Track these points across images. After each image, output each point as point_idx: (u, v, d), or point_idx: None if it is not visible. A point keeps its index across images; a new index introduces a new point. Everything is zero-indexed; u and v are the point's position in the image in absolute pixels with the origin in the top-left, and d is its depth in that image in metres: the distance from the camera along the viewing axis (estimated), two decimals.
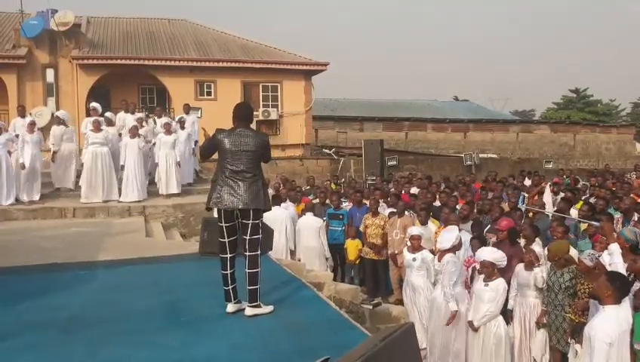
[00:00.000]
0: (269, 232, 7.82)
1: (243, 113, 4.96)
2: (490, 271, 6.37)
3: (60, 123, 12.25)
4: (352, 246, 10.06)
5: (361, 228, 9.89)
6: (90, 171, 11.66)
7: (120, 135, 12.84)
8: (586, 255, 5.85)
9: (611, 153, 27.37)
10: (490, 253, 6.50)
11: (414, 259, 7.59)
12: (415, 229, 7.95)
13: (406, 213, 9.66)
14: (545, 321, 6.30)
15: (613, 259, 5.06)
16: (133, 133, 12.11)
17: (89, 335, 4.41)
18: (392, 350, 2.93)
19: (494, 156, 23.96)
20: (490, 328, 6.30)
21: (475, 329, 6.41)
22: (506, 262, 6.54)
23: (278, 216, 9.30)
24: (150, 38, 20.90)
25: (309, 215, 10.06)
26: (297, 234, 9.84)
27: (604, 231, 5.77)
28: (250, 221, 4.73)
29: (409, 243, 7.90)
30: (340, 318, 4.84)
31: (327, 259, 9.90)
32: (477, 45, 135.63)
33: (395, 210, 9.94)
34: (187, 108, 14.30)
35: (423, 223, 9.03)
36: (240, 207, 4.68)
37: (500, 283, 6.34)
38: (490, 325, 6.31)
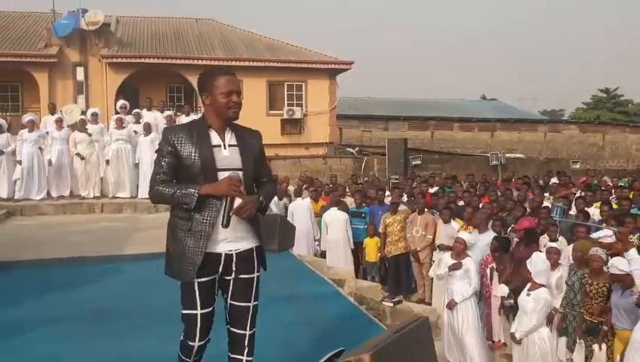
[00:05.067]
0: (289, 229, 7.89)
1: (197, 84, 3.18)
2: (461, 247, 6.78)
3: (83, 130, 12.11)
4: (372, 245, 10.11)
5: (381, 230, 9.91)
6: (116, 168, 11.94)
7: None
8: (593, 251, 5.82)
9: None
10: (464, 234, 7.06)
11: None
12: (464, 234, 7.28)
13: (426, 210, 9.66)
14: (564, 325, 6.25)
15: (634, 265, 4.90)
16: (148, 130, 12.31)
17: (114, 327, 4.54)
18: (405, 342, 2.98)
19: (521, 156, 23.69)
20: (534, 340, 6.00)
21: (518, 342, 6.12)
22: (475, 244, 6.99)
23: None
24: (178, 38, 21.17)
25: (333, 209, 10.20)
26: (323, 228, 10.17)
27: (620, 236, 5.70)
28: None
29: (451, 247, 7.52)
30: (360, 314, 4.90)
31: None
32: (505, 44, 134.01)
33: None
34: None
35: (446, 222, 9.04)
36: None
37: (542, 292, 6.03)
38: (534, 337, 6.01)
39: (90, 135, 11.93)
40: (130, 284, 6.00)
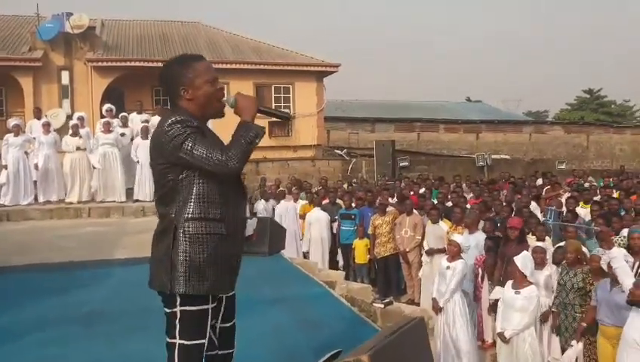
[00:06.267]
0: (280, 231, 7.91)
1: (161, 79, 2.67)
2: (455, 250, 6.86)
3: (75, 133, 11.96)
4: (361, 246, 10.18)
5: (370, 231, 9.97)
6: (103, 172, 11.87)
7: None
8: (595, 251, 5.91)
9: (626, 154, 27.19)
10: (458, 237, 7.12)
11: (448, 268, 6.98)
12: (458, 237, 7.26)
13: (415, 211, 9.73)
14: (557, 324, 6.31)
15: (616, 263, 4.96)
16: (145, 133, 12.28)
17: (110, 330, 4.53)
18: (401, 343, 3.01)
19: (507, 157, 23.89)
20: (525, 338, 5.98)
21: (506, 341, 6.10)
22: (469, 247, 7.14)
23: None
24: (163, 40, 21.09)
25: (316, 209, 10.33)
26: (306, 228, 10.48)
27: (602, 236, 5.79)
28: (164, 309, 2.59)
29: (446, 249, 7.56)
30: (352, 315, 4.92)
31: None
32: (489, 45, 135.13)
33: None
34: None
35: (434, 222, 9.10)
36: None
37: (532, 290, 6.02)
38: (524, 335, 5.99)
39: (81, 137, 11.87)
40: (122, 288, 5.97)
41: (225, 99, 2.63)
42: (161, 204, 2.58)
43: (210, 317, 2.53)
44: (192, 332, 2.49)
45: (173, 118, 2.44)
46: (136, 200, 11.94)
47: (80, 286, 5.94)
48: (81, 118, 12.61)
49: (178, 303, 2.47)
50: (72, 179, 11.74)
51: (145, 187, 11.98)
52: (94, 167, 11.92)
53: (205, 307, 2.50)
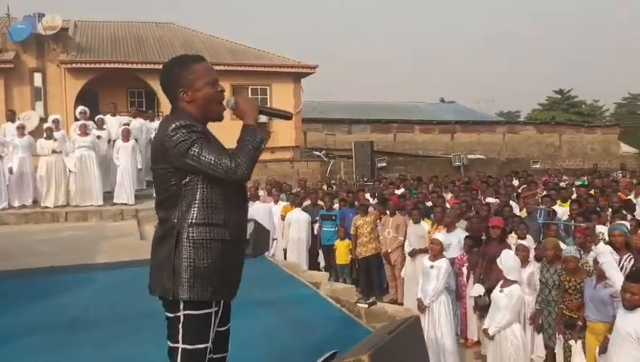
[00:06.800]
0: (264, 233, 7.89)
1: (161, 81, 2.62)
2: (438, 248, 6.95)
3: (49, 136, 11.74)
4: (342, 247, 10.19)
5: (352, 231, 9.99)
6: (80, 176, 11.67)
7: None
8: (566, 252, 6.00)
9: (597, 153, 27.70)
10: (439, 235, 7.25)
11: (432, 267, 6.99)
12: (439, 236, 7.35)
13: (397, 212, 9.78)
14: (540, 322, 6.39)
15: (603, 258, 5.05)
16: (126, 136, 12.16)
17: (95, 335, 4.47)
18: (399, 342, 3.03)
19: (482, 157, 24.18)
20: (507, 336, 6.05)
21: (491, 338, 6.19)
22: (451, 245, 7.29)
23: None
24: (138, 42, 20.85)
25: (297, 210, 10.58)
26: (286, 228, 10.51)
27: (588, 232, 5.87)
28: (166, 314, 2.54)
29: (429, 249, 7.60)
30: (341, 315, 4.93)
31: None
32: (461, 46, 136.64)
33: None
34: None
35: (416, 222, 9.15)
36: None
37: (514, 288, 6.09)
38: (506, 333, 6.06)
39: (56, 140, 11.65)
40: (104, 293, 5.90)
41: (225, 101, 2.59)
42: (162, 209, 2.52)
43: (213, 320, 2.49)
44: (196, 336, 2.44)
45: (178, 123, 2.39)
46: (115, 204, 11.80)
47: (62, 291, 5.84)
48: (56, 121, 12.38)
49: (182, 307, 2.43)
50: (48, 183, 11.51)
51: (126, 190, 11.87)
52: (70, 171, 11.73)
53: (209, 311, 2.46)
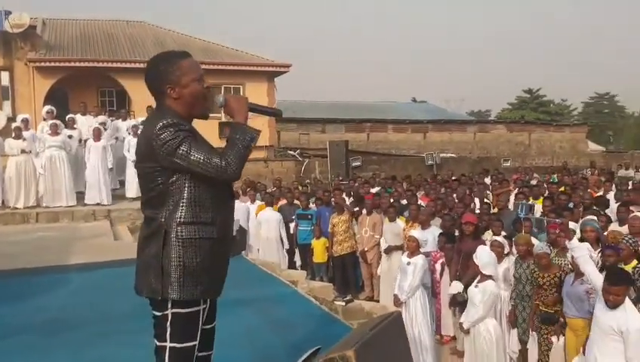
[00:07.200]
0: (241, 233, 7.89)
1: (147, 77, 2.57)
2: (414, 245, 7.01)
3: (17, 136, 11.49)
4: (319, 246, 10.21)
5: (330, 229, 10.02)
6: (50, 176, 11.46)
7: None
8: (538, 248, 6.12)
9: (565, 151, 28.24)
10: (415, 232, 7.28)
11: (409, 264, 7.06)
12: (416, 233, 7.42)
13: (374, 211, 9.83)
14: (515, 316, 6.49)
15: (578, 252, 5.15)
16: (97, 135, 12.00)
17: (71, 337, 4.40)
18: (383, 337, 3.06)
19: (454, 155, 24.47)
20: (481, 331, 6.14)
21: (466, 332, 6.28)
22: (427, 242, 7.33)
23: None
24: (109, 40, 20.55)
25: (268, 209, 10.66)
26: (257, 228, 10.52)
27: (562, 227, 6.00)
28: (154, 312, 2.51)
29: (405, 246, 7.69)
30: (321, 313, 4.94)
31: (285, 249, 10.59)
32: (432, 47, 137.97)
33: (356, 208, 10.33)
34: (151, 111, 14.11)
35: (392, 220, 9.22)
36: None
37: (488, 284, 6.17)
38: (480, 328, 6.14)
39: (25, 140, 11.40)
40: (79, 294, 5.81)
41: (215, 98, 2.57)
42: (148, 207, 2.50)
43: (201, 318, 2.47)
44: (184, 334, 2.42)
45: (165, 122, 2.35)
46: (86, 205, 11.61)
47: (36, 293, 5.73)
48: (25, 120, 12.13)
49: (169, 306, 2.40)
50: (18, 184, 11.28)
51: (101, 190, 11.72)
52: (41, 171, 11.51)
53: (197, 309, 2.44)
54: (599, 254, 5.78)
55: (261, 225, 10.51)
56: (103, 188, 11.81)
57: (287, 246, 10.58)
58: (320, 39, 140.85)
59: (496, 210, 9.50)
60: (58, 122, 12.12)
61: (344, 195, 11.73)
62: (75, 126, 12.80)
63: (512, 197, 10.54)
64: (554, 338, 5.78)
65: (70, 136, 12.17)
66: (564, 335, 5.70)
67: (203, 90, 2.52)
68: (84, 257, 7.47)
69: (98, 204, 11.72)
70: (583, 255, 4.93)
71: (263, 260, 8.47)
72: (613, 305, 4.33)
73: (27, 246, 8.32)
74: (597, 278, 4.66)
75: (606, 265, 5.26)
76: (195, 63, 2.53)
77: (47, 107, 13.04)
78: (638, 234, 6.29)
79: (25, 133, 11.69)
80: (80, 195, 11.95)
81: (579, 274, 5.28)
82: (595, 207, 8.16)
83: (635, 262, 5.49)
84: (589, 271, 4.79)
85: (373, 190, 12.95)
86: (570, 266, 5.77)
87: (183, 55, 2.53)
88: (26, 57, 17.66)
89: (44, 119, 12.68)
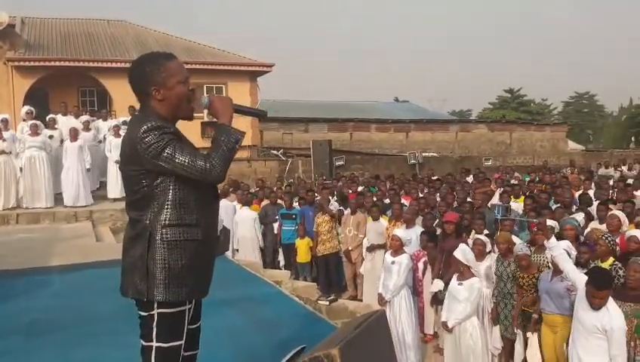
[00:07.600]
0: (225, 233, 7.88)
1: (131, 78, 2.54)
2: (398, 244, 7.01)
3: None
4: (303, 246, 10.22)
5: (315, 228, 10.04)
6: (29, 176, 11.34)
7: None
8: (518, 249, 6.20)
9: (546, 150, 28.57)
10: (399, 231, 7.30)
11: (393, 263, 7.06)
12: (399, 232, 7.44)
13: (358, 211, 9.87)
14: (497, 313, 6.56)
15: (556, 251, 5.23)
16: (74, 136, 11.88)
17: (56, 338, 4.38)
18: (367, 335, 3.09)
19: (436, 155, 24.62)
20: (466, 328, 6.16)
21: (450, 330, 6.27)
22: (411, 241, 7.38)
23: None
24: (89, 39, 20.37)
25: (244, 208, 10.75)
26: (234, 227, 10.54)
27: (540, 226, 6.08)
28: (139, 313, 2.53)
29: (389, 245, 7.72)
30: (305, 312, 4.97)
31: (261, 249, 10.67)
32: (414, 46, 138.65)
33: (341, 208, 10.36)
34: (133, 111, 14.06)
35: (375, 219, 9.26)
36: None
37: (474, 281, 6.20)
38: (465, 325, 6.17)
39: (5, 140, 11.26)
40: (62, 296, 5.78)
41: (200, 100, 2.58)
42: (132, 209, 2.50)
43: (187, 317, 2.48)
44: (170, 334, 2.43)
45: (150, 125, 2.35)
46: (67, 206, 11.50)
47: (18, 295, 5.69)
48: (4, 120, 11.99)
49: (155, 306, 2.41)
50: None
51: (80, 191, 11.61)
52: (21, 171, 11.38)
53: (182, 308, 2.45)
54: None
55: (238, 224, 10.56)
56: (81, 189, 11.69)
57: (262, 244, 10.64)
58: (305, 38, 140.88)
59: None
60: (38, 122, 12.01)
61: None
62: (55, 126, 12.67)
63: (496, 197, 10.65)
64: (528, 334, 5.85)
65: (51, 137, 12.06)
66: (537, 331, 5.77)
67: (188, 92, 2.52)
68: (67, 258, 7.43)
69: (76, 206, 11.60)
70: (561, 253, 5.01)
71: (246, 260, 8.47)
72: (598, 307, 4.43)
73: (8, 248, 8.24)
74: (576, 276, 4.75)
75: (590, 267, 5.35)
76: (180, 65, 2.53)
77: (27, 107, 12.93)
78: (616, 231, 6.41)
79: (4, 134, 11.57)
80: (59, 196, 11.83)
81: (557, 271, 5.36)
82: (578, 205, 8.28)
83: (611, 259, 5.60)
84: (569, 270, 4.87)
85: (357, 189, 12.99)
86: (548, 263, 5.85)
87: (169, 57, 2.53)
88: (5, 56, 17.42)
89: (24, 120, 12.56)
